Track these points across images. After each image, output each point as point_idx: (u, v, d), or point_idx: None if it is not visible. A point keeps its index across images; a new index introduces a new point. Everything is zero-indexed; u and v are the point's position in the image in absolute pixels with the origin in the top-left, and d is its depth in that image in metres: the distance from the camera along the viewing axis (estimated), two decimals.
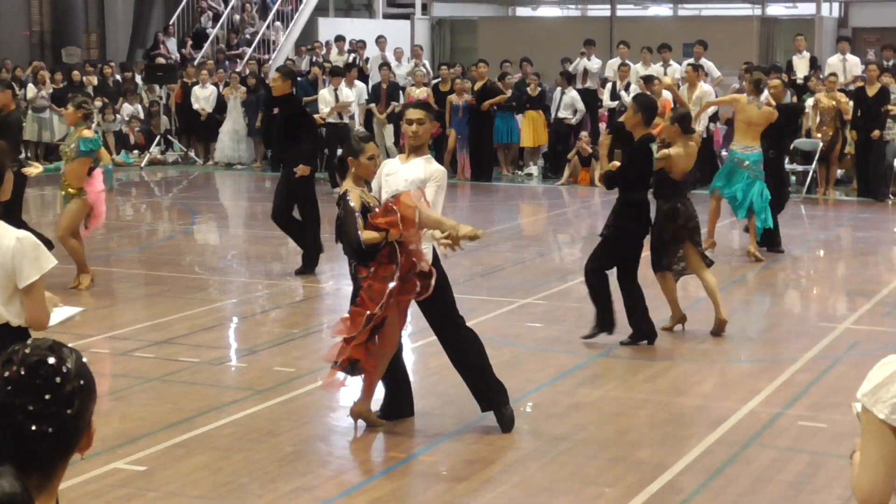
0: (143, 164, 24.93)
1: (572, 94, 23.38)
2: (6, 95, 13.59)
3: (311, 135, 13.55)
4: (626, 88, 22.95)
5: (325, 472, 7.39)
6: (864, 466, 3.15)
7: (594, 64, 24.61)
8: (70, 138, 12.38)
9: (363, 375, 7.99)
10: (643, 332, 10.21)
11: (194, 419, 8.31)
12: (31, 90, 25.35)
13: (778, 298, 12.95)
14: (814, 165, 20.45)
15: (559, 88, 23.53)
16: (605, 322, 10.19)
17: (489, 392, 8.12)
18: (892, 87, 20.28)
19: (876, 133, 19.92)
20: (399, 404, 8.34)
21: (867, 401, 3.13)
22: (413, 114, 8.16)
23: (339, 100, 21.26)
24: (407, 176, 8.00)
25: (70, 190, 12.30)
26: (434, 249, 8.01)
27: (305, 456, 7.63)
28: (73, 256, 12.41)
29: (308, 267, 13.31)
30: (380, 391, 8.25)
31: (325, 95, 21.66)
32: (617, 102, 22.95)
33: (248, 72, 26.85)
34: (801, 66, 23.00)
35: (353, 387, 8.23)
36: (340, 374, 7.95)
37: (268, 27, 29.94)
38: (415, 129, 8.09)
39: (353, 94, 21.92)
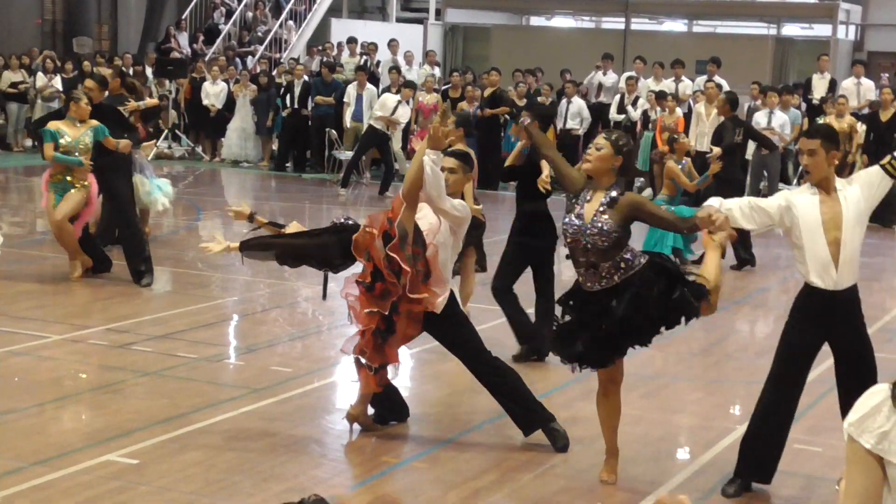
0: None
1: (579, 103, 23.35)
2: (116, 83, 14.37)
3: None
4: (634, 103, 22.94)
5: (317, 474, 7.37)
6: (849, 495, 3.15)
7: (609, 78, 24.59)
8: (71, 132, 12.31)
9: (360, 380, 7.97)
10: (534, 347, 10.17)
11: (189, 415, 8.30)
12: (40, 79, 25.36)
13: (779, 320, 12.85)
14: None
15: (565, 98, 23.50)
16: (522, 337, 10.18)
17: (527, 416, 8.03)
18: None
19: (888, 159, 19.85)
20: (391, 410, 8.30)
21: (854, 431, 3.13)
22: (447, 162, 8.00)
23: (395, 114, 21.15)
24: (431, 218, 7.85)
25: (81, 182, 12.31)
26: (452, 297, 7.92)
27: (299, 457, 7.61)
28: (70, 243, 12.42)
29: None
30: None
31: (386, 101, 21.54)
32: (623, 116, 22.93)
33: (258, 70, 26.87)
34: (820, 87, 22.92)
35: (350, 389, 8.21)
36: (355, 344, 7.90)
37: (280, 26, 29.96)
38: (445, 176, 7.83)
39: (408, 114, 21.75)
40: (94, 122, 12.37)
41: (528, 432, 8.02)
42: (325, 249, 8.08)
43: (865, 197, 7.01)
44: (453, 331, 7.94)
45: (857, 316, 7.13)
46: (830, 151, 6.97)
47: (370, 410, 8.20)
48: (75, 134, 12.28)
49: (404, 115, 21.48)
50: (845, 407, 7.04)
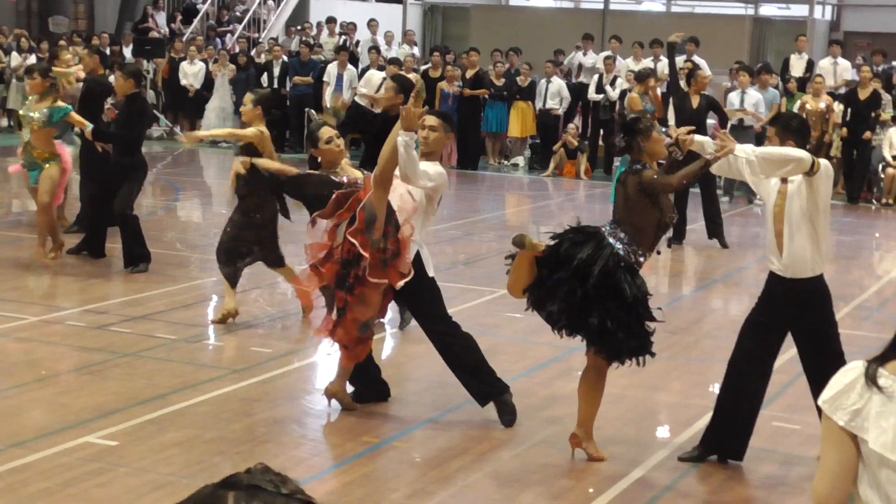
0: None
1: (558, 83, 23.34)
2: (94, 60, 13.98)
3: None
4: (613, 83, 22.93)
5: (297, 455, 7.36)
6: (823, 471, 3.19)
7: (589, 59, 24.58)
8: (32, 106, 12.20)
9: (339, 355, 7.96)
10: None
11: (168, 396, 8.28)
12: (15, 58, 25.19)
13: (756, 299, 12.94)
14: None
15: (545, 78, 23.48)
16: None
17: (483, 385, 8.06)
18: (882, 93, 20.31)
19: (867, 134, 19.95)
20: (371, 389, 8.31)
21: (828, 408, 3.16)
22: (429, 120, 7.99)
23: (380, 91, 21.23)
24: (402, 190, 7.86)
25: (45, 156, 12.15)
26: (420, 262, 7.93)
27: (278, 437, 7.61)
28: (50, 225, 12.29)
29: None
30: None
31: (371, 78, 21.77)
32: (602, 96, 22.93)
33: (237, 49, 26.76)
34: (798, 67, 22.94)
35: (329, 367, 8.20)
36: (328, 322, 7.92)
37: (259, 5, 29.83)
38: (426, 134, 7.91)
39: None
40: (59, 104, 12.21)
41: (483, 403, 8.06)
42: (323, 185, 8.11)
43: (810, 196, 6.92)
44: (416, 292, 7.96)
45: (821, 308, 7.11)
46: (787, 141, 6.94)
47: (349, 388, 8.20)
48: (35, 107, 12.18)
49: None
50: (815, 395, 7.09)
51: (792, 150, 6.84)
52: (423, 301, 8.07)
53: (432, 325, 8.09)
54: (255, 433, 7.61)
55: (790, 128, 7.02)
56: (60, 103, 12.21)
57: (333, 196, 7.87)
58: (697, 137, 7.25)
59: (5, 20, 28.78)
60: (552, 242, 7.21)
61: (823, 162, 6.97)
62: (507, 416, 7.99)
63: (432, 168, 7.83)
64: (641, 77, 16.43)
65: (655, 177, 7.08)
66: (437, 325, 8.06)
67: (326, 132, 8.13)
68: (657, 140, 7.24)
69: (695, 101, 15.29)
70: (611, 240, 7.09)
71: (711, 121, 18.69)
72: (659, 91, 18.48)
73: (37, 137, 12.08)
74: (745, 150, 6.82)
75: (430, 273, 8.03)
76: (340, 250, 7.67)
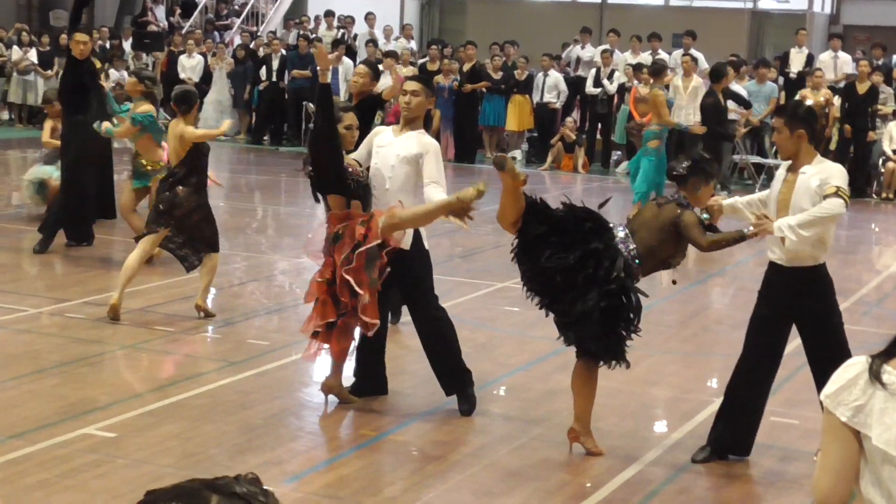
0: None
1: (555, 76, 23.32)
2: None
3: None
4: (610, 76, 22.92)
5: (294, 447, 7.37)
6: (825, 468, 3.15)
7: (587, 52, 24.56)
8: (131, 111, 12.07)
9: (331, 350, 7.95)
10: None
11: (166, 388, 8.28)
12: (15, 52, 25.17)
13: (755, 293, 12.91)
14: None
15: (542, 71, 23.46)
16: None
17: (453, 376, 8.10)
18: (881, 87, 20.30)
19: (872, 135, 19.95)
20: (372, 382, 8.32)
21: (830, 403, 3.12)
22: (409, 85, 8.07)
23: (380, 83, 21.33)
24: (399, 151, 7.92)
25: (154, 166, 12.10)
26: (417, 232, 7.98)
27: (276, 430, 7.61)
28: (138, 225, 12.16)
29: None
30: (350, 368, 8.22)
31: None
32: (599, 90, 22.91)
33: (237, 42, 26.74)
34: (797, 61, 22.92)
35: (326, 361, 8.21)
36: (315, 345, 7.93)
37: None
38: (408, 99, 8.00)
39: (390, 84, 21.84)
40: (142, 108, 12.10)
41: (449, 393, 8.11)
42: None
43: (811, 198, 6.90)
44: (408, 269, 7.98)
45: (822, 297, 7.10)
46: (796, 130, 6.94)
47: (347, 381, 8.20)
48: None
49: (386, 83, 21.42)
50: (819, 386, 7.08)
51: (826, 206, 6.76)
52: (414, 273, 8.05)
53: (418, 302, 8.12)
54: (253, 425, 7.61)
55: (797, 116, 7.00)
56: (144, 107, 11.94)
57: (331, 216, 7.84)
58: (727, 202, 7.33)
59: (7, 15, 28.75)
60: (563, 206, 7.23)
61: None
62: (467, 406, 8.05)
63: (424, 144, 7.89)
64: (658, 71, 16.40)
65: (693, 228, 7.08)
66: (423, 302, 8.09)
67: (350, 118, 8.11)
68: (710, 189, 7.34)
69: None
70: (621, 247, 7.09)
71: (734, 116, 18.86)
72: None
73: (139, 146, 12.10)
74: (784, 229, 6.78)
75: (426, 246, 8.12)
76: (335, 279, 7.69)
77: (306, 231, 13.55)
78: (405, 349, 9.51)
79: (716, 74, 16.87)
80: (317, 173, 7.87)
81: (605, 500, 6.75)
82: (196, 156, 10.13)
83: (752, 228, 6.97)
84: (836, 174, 6.93)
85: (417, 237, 7.99)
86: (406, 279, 8.06)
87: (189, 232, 10.20)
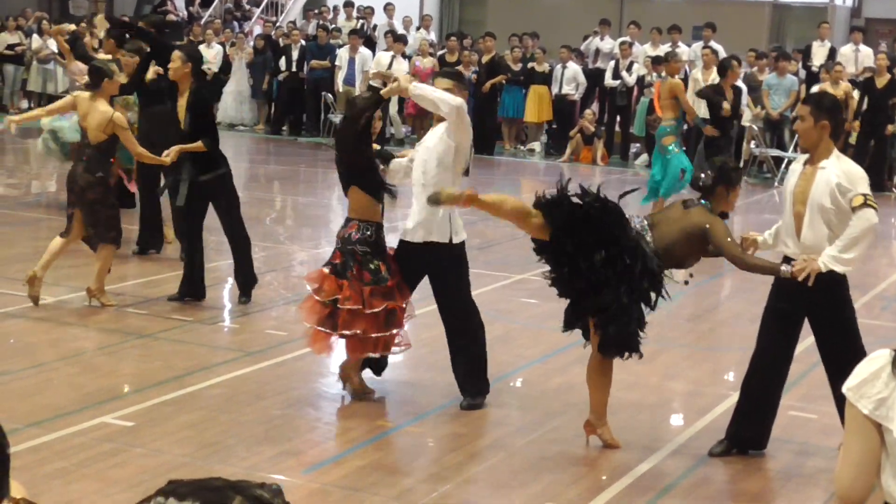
0: None
1: (574, 68, 23.26)
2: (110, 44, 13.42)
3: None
4: (629, 68, 22.86)
5: (311, 438, 7.38)
6: (847, 461, 3.14)
7: (607, 44, 24.50)
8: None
9: (347, 338, 7.94)
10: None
11: (183, 378, 8.30)
12: (35, 41, 25.23)
13: (771, 287, 12.90)
14: None
15: (560, 63, 23.41)
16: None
17: (478, 384, 8.06)
18: None
19: (890, 129, 19.85)
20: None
21: (852, 395, 3.12)
22: (441, 83, 8.02)
23: (391, 68, 21.54)
24: (428, 143, 7.99)
25: None
26: (449, 216, 7.97)
27: (292, 420, 7.62)
28: None
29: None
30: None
31: (381, 59, 22.54)
32: (619, 82, 22.86)
33: (255, 33, 26.75)
34: (819, 54, 22.78)
35: (341, 350, 8.21)
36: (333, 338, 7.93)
37: None
38: None
39: (405, 67, 22.00)
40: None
41: (466, 396, 8.07)
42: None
43: (831, 195, 6.85)
44: (441, 263, 7.99)
45: (834, 290, 7.03)
46: (820, 121, 6.88)
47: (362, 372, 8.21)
48: None
49: (400, 69, 21.46)
50: (834, 386, 7.07)
51: (859, 223, 6.73)
52: (448, 274, 8.04)
53: (450, 307, 8.08)
54: (270, 416, 7.63)
55: (822, 106, 6.94)
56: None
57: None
58: (761, 238, 7.30)
59: (27, 3, 28.83)
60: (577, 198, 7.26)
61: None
62: (468, 407, 8.00)
63: (446, 95, 7.82)
64: (724, 69, 16.17)
65: (728, 239, 7.03)
66: (454, 308, 8.06)
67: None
68: (736, 193, 7.34)
69: (729, 94, 15.48)
70: (643, 244, 7.08)
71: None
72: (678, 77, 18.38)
73: None
74: (829, 263, 6.75)
75: (461, 237, 8.10)
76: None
77: (325, 221, 13.57)
78: (421, 342, 9.50)
79: (720, 70, 16.70)
80: (344, 165, 7.98)
81: (622, 492, 6.75)
82: (112, 143, 10.06)
83: (789, 268, 6.89)
84: (858, 180, 6.86)
85: (462, 248, 8.02)
86: (441, 284, 8.06)
87: (89, 213, 10.08)
